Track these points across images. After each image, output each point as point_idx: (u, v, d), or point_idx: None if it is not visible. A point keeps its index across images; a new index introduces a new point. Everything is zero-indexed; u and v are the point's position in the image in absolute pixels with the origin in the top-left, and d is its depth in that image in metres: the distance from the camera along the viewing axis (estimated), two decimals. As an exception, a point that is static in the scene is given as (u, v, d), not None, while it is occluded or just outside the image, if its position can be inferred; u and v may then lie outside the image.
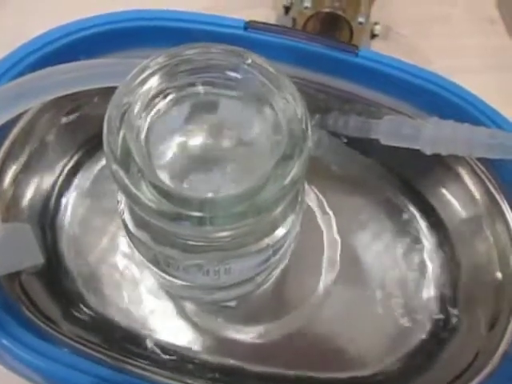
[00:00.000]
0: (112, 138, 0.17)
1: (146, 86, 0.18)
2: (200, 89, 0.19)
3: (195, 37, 0.28)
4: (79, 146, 0.31)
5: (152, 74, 0.18)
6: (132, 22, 0.28)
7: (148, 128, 0.18)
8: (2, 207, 0.27)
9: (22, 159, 0.28)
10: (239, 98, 0.19)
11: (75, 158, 0.31)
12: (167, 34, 0.28)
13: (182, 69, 0.19)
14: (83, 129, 0.31)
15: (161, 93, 0.19)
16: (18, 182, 0.28)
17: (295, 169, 0.18)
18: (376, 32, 0.41)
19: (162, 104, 0.19)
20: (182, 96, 0.19)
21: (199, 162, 0.19)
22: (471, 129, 0.24)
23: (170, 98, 0.19)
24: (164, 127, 0.19)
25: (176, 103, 0.19)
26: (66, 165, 0.31)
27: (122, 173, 0.17)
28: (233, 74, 0.19)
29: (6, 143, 0.27)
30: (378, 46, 0.40)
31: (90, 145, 0.31)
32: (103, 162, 0.31)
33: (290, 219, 0.22)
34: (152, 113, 0.19)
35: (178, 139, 0.19)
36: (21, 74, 0.25)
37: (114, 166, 0.17)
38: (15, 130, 0.27)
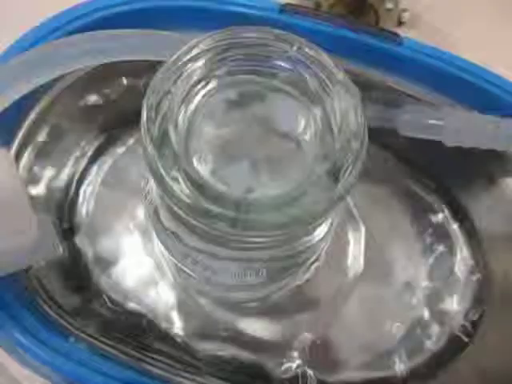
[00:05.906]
0: (150, 122, 0.16)
1: (189, 71, 0.17)
2: (245, 77, 0.18)
3: (225, 19, 0.26)
4: (99, 131, 0.30)
5: (197, 57, 0.17)
6: (159, 1, 0.27)
7: (189, 115, 0.17)
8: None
9: (39, 144, 0.27)
10: (286, 90, 0.18)
11: (94, 143, 0.30)
12: (195, 15, 0.27)
13: (228, 54, 0.17)
14: (103, 113, 0.29)
15: (204, 78, 0.17)
16: (34, 169, 0.27)
17: (345, 180, 0.16)
18: (403, 19, 0.39)
19: (205, 91, 0.17)
20: (226, 84, 0.17)
21: (238, 158, 0.18)
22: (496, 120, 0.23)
23: (213, 84, 0.17)
24: (206, 116, 0.18)
25: (219, 91, 0.17)
26: (83, 151, 0.29)
27: (157, 160, 0.16)
28: (282, 64, 0.17)
29: (24, 127, 0.26)
30: (404, 35, 0.39)
31: (109, 131, 0.30)
32: (123, 148, 0.30)
33: (329, 222, 0.21)
34: (194, 100, 0.17)
35: (218, 130, 0.18)
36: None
37: (150, 149, 0.16)
38: (32, 114, 0.26)
